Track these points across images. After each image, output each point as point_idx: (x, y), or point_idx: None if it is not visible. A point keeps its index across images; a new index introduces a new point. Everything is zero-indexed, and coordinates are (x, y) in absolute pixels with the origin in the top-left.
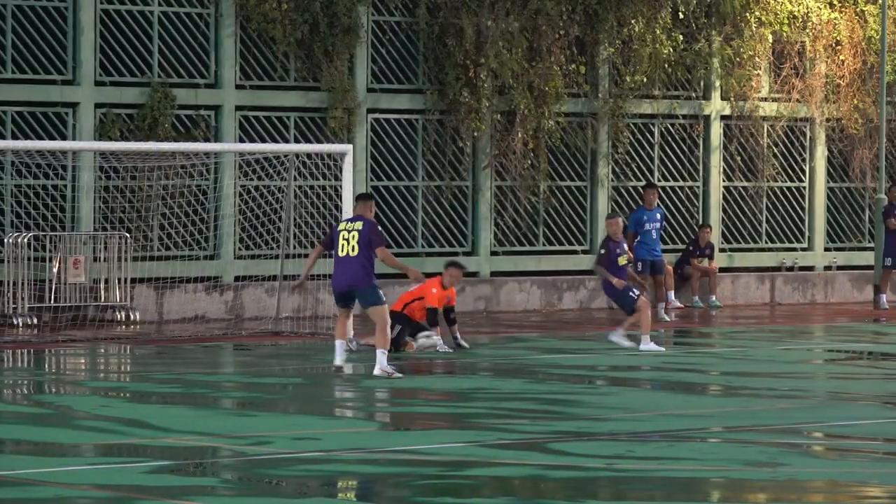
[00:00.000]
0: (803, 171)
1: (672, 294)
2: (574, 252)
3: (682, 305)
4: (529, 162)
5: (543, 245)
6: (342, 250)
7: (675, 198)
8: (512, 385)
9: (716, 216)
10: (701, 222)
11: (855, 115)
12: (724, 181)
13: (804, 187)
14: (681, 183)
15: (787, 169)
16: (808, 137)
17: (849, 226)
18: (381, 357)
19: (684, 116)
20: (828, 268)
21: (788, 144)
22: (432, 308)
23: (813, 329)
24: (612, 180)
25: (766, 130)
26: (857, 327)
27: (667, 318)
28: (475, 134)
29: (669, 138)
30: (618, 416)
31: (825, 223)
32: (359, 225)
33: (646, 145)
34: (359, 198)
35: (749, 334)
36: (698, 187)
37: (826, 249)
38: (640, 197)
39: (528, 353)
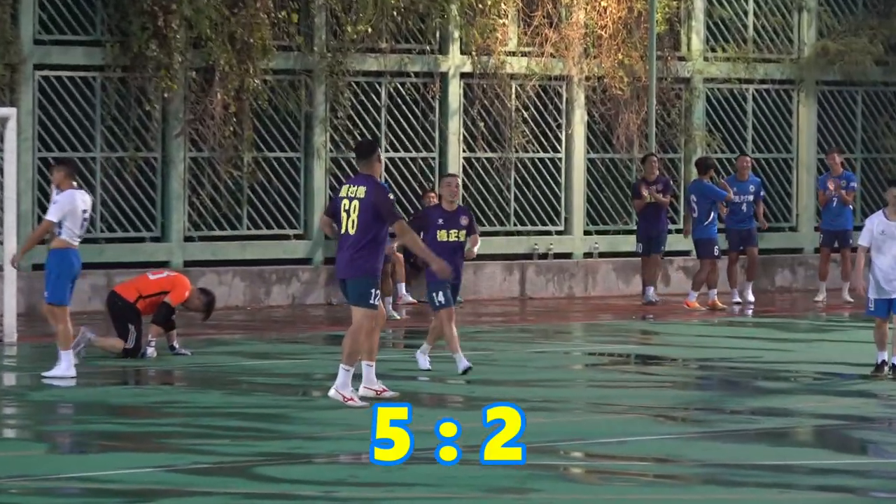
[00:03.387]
0: (559, 140)
1: (403, 286)
2: (285, 237)
3: (414, 300)
4: (231, 129)
5: (248, 229)
6: (342, 225)
7: (405, 170)
8: (210, 398)
9: None
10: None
11: (620, 72)
12: (464, 151)
13: (560, 159)
14: (413, 154)
15: (539, 137)
16: (564, 99)
17: (613, 205)
18: (343, 377)
19: (417, 74)
20: (588, 255)
21: (541, 107)
22: (171, 308)
23: (571, 328)
24: (331, 150)
25: (514, 91)
26: (623, 326)
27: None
28: (165, 95)
29: (399, 100)
30: (338, 433)
31: (584, 202)
32: (361, 191)
33: (371, 109)
34: (359, 150)
35: (494, 335)
36: (433, 158)
37: (586, 233)
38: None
39: (230, 358)
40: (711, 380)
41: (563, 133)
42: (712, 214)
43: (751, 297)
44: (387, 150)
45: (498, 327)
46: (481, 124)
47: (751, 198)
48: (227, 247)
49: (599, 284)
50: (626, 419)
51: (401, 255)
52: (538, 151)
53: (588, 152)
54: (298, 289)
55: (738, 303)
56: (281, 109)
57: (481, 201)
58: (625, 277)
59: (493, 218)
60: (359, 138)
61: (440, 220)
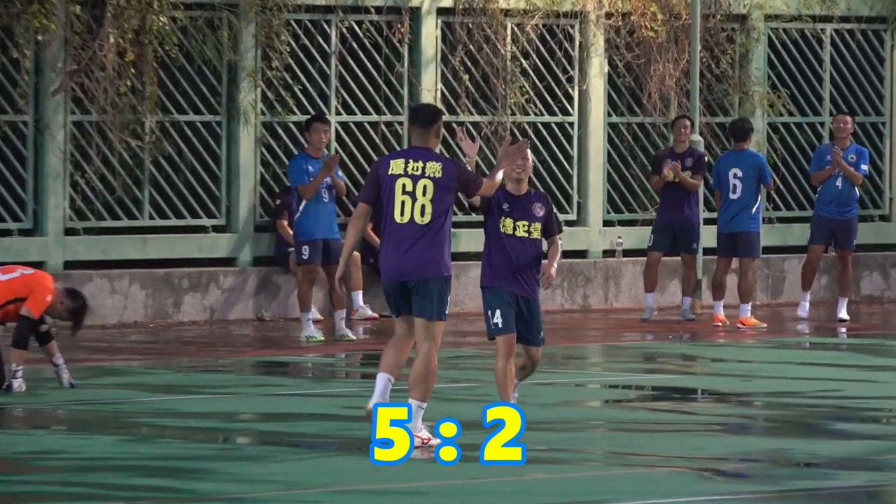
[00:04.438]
0: (570, 99)
1: (360, 296)
2: (201, 230)
3: (375, 315)
4: (128, 84)
5: (151, 219)
6: (397, 211)
7: (363, 139)
8: (98, 446)
9: None
10: None
11: (652, 7)
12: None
13: (571, 124)
14: (374, 117)
15: (544, 95)
16: (577, 44)
17: (642, 187)
18: (416, 413)
19: (379, 10)
20: (609, 253)
21: (547, 55)
22: (33, 321)
23: (586, 352)
24: (264, 113)
25: (510, 32)
26: (655, 349)
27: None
28: (39, 38)
29: (356, 45)
30: (273, 493)
31: (604, 182)
32: (435, 168)
33: (318, 57)
34: (417, 116)
35: (483, 361)
36: (401, 124)
37: (606, 224)
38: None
39: (125, 393)
40: (775, 421)
41: (576, 90)
42: (759, 199)
43: (844, 315)
44: (338, 113)
45: (487, 350)
46: (466, 77)
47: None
48: (122, 243)
49: (624, 293)
50: (660, 474)
51: (357, 254)
52: (542, 114)
53: (609, 115)
54: (219, 299)
55: (804, 318)
56: (195, 58)
57: None
58: (658, 283)
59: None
60: (299, 96)
61: (504, 206)
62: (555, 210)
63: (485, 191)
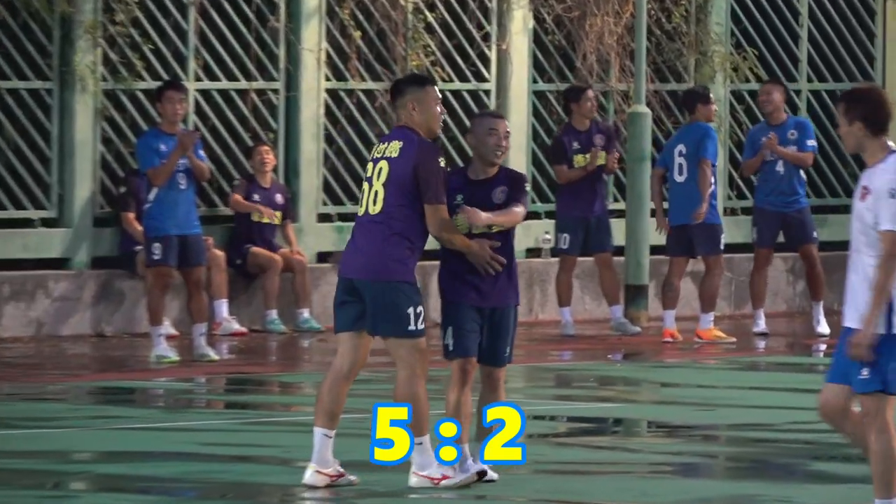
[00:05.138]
0: (486, 62)
1: (225, 306)
2: (25, 223)
3: (243, 329)
4: None
5: None
6: (361, 204)
7: (229, 112)
8: None
9: None
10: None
11: None
12: (327, 80)
13: (487, 92)
14: (243, 83)
15: (453, 57)
16: None
17: None
18: (422, 454)
19: None
20: (534, 252)
21: (457, 7)
22: None
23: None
24: (105, 79)
25: None
26: (591, 370)
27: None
28: None
29: None
30: None
31: (529, 164)
32: (395, 148)
33: (173, 9)
34: (393, 89)
35: (371, 387)
36: (276, 91)
37: (531, 216)
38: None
39: None
40: (739, 461)
41: (494, 50)
42: (713, 185)
43: (824, 328)
44: (198, 79)
45: (379, 372)
46: (357, 34)
47: (796, 149)
48: None
49: (552, 302)
50: None
51: (220, 253)
52: (451, 80)
53: (534, 82)
54: (48, 310)
55: (761, 333)
56: (19, 9)
57: (355, 161)
58: (595, 290)
59: None
60: (150, 57)
61: (458, 198)
62: (525, 188)
63: (433, 226)
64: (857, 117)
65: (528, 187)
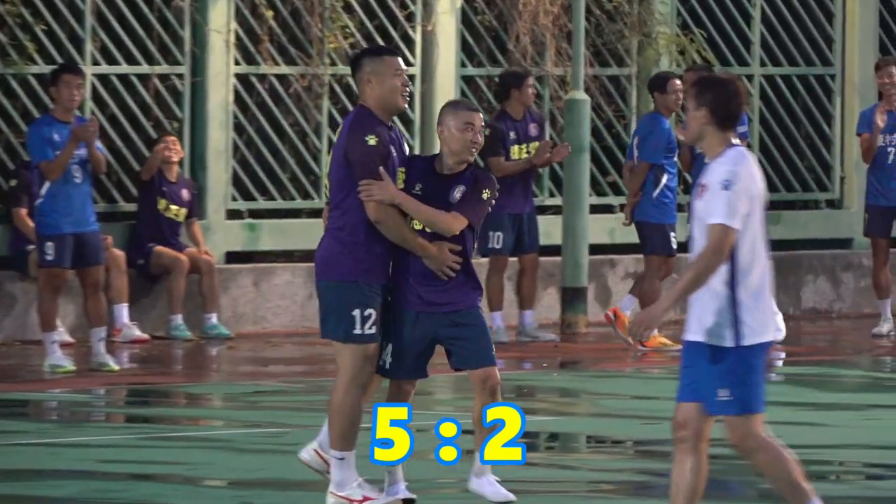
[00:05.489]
0: (410, 43)
1: (125, 310)
2: None
3: (145, 336)
4: None
5: None
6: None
7: (129, 98)
8: None
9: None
10: None
11: None
12: (236, 64)
13: (412, 77)
14: (144, 68)
15: (373, 37)
16: None
17: None
18: (342, 470)
19: None
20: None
21: None
22: None
23: (424, 386)
24: None
25: None
26: (519, 379)
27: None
28: None
29: None
30: None
31: None
32: (341, 130)
33: None
34: (356, 61)
35: (282, 399)
36: (181, 76)
37: None
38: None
39: None
40: None
41: (419, 31)
42: (665, 178)
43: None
44: (96, 63)
45: (288, 384)
46: (269, 14)
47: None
48: None
49: (483, 305)
50: None
51: (120, 253)
52: None
53: (463, 66)
54: None
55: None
56: None
57: (267, 152)
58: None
59: (290, 186)
60: (42, 39)
61: (416, 189)
62: (482, 195)
63: (376, 219)
64: (705, 104)
65: (490, 196)
